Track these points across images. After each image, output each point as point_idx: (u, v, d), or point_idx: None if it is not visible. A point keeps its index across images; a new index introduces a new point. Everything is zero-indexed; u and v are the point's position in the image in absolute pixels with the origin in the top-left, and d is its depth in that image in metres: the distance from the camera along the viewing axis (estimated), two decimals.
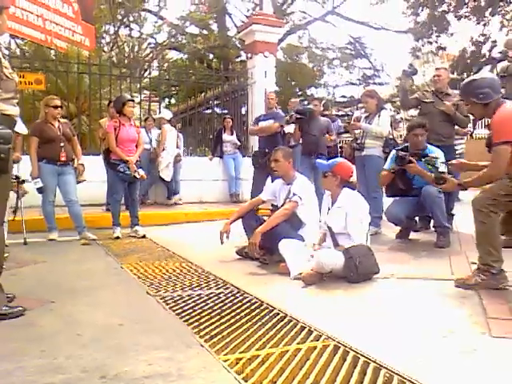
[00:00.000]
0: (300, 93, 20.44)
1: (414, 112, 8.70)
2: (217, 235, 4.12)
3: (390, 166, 4.67)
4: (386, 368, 1.90)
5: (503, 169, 2.89)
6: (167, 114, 8.31)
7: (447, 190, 3.34)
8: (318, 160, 3.88)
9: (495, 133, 2.95)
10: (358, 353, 2.05)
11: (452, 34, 18.02)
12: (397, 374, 1.85)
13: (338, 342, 2.17)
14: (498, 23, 17.55)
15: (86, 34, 9.37)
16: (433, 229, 4.83)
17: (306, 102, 6.60)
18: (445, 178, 3.27)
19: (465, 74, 18.52)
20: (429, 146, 4.64)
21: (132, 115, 5.54)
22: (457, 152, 5.22)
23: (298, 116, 6.22)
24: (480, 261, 3.02)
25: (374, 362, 1.96)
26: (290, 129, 6.62)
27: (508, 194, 2.93)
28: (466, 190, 3.34)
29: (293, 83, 20.77)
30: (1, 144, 2.48)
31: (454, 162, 3.45)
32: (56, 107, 5.11)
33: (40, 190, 5.05)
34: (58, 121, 5.17)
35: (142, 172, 5.37)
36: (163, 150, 7.80)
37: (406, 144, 4.74)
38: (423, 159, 3.96)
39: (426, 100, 5.29)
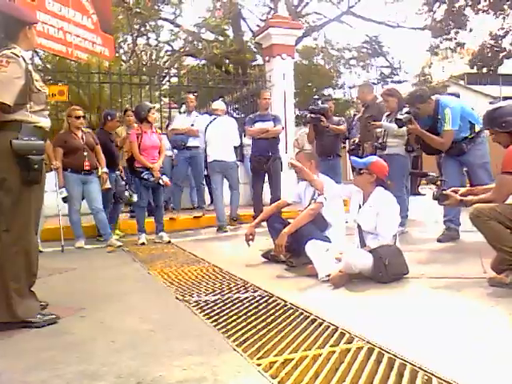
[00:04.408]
0: (317, 95, 20.37)
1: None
2: (241, 239, 4.11)
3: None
4: (424, 370, 1.86)
5: (505, 197, 3.05)
6: None
7: (451, 206, 3.34)
8: (353, 157, 3.83)
9: (506, 161, 3.01)
10: (393, 355, 2.01)
11: (471, 30, 17.68)
12: (435, 376, 1.81)
13: (372, 344, 2.13)
14: None
15: (105, 44, 9.51)
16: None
17: (319, 102, 6.46)
18: (447, 195, 3.30)
19: (484, 68, 18.21)
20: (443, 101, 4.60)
21: (155, 122, 5.61)
22: None
23: (314, 116, 6.09)
24: (509, 262, 2.95)
25: (411, 363, 1.92)
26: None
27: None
28: (466, 207, 3.32)
29: (309, 85, 20.70)
30: (34, 155, 2.53)
31: (448, 191, 3.38)
32: (78, 117, 5.20)
33: (65, 200, 5.14)
34: (82, 130, 5.26)
35: (165, 179, 5.41)
36: None
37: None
38: (424, 179, 3.95)
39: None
